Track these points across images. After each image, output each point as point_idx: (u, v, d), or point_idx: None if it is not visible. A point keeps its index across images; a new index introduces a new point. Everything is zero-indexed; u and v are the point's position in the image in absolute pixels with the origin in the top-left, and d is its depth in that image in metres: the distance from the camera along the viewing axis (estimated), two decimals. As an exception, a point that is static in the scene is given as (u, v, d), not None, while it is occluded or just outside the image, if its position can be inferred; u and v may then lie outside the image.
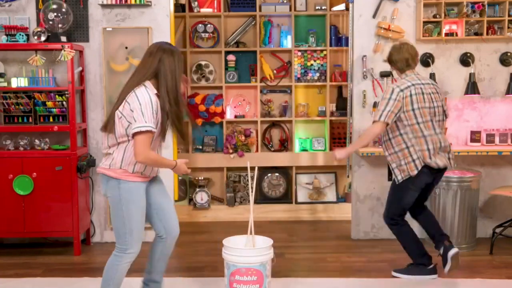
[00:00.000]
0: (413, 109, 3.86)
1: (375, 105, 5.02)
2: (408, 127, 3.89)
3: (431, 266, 4.09)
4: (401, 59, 3.98)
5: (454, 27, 4.96)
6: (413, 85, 3.89)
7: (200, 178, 6.27)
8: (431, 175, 3.97)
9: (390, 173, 5.04)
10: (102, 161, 3.26)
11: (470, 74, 4.93)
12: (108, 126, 3.14)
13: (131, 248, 3.28)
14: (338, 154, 4.05)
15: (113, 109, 3.14)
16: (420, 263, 4.09)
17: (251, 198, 3.70)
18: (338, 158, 4.06)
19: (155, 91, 3.12)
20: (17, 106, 4.74)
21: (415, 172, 3.89)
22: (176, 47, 3.35)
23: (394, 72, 4.26)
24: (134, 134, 3.04)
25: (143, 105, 3.03)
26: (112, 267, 3.30)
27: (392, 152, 3.98)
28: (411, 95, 3.86)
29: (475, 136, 4.98)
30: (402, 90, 3.86)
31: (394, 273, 4.16)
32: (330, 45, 6.40)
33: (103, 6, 4.90)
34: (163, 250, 3.54)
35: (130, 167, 3.15)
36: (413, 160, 3.90)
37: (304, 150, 6.50)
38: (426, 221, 4.21)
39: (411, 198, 4.02)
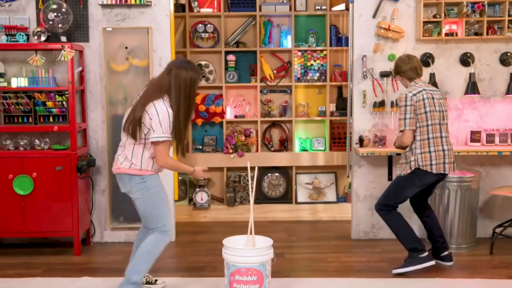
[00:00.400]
0: (425, 112, 4.08)
1: (375, 105, 5.02)
2: (419, 129, 4.11)
3: (425, 254, 4.16)
4: (412, 68, 4.20)
5: (454, 27, 4.96)
6: (424, 90, 4.13)
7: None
8: (436, 176, 4.14)
9: (390, 173, 5.05)
10: (118, 162, 3.63)
11: (470, 74, 4.93)
12: (130, 129, 3.50)
13: (170, 230, 3.71)
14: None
15: (134, 115, 3.49)
16: (413, 247, 4.17)
17: (251, 198, 3.71)
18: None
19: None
20: (17, 106, 4.74)
21: (411, 169, 4.13)
22: (192, 65, 3.63)
23: (399, 82, 4.44)
24: (154, 143, 3.48)
25: (161, 117, 3.44)
26: (156, 245, 3.66)
27: (408, 149, 4.19)
28: (423, 99, 4.08)
29: (475, 136, 4.98)
30: (414, 95, 4.09)
31: (395, 271, 4.18)
32: (330, 45, 6.41)
33: (103, 6, 4.90)
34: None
35: (149, 167, 3.57)
36: (413, 160, 4.14)
37: (304, 150, 6.50)
38: (434, 224, 4.37)
39: (410, 193, 4.22)
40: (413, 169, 4.11)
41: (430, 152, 4.08)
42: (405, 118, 4.08)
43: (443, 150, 4.10)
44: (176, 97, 3.49)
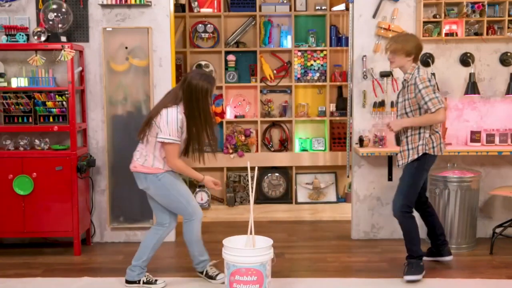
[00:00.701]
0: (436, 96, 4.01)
1: (375, 105, 5.02)
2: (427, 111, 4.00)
3: (422, 263, 4.13)
4: (418, 45, 4.07)
5: (454, 27, 4.96)
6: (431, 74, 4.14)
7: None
8: (436, 159, 4.15)
9: (390, 173, 5.05)
10: (134, 158, 3.91)
11: (470, 74, 4.93)
12: (141, 127, 3.85)
13: (195, 214, 3.94)
14: (394, 125, 4.10)
15: (149, 116, 3.83)
16: (421, 254, 4.12)
17: (251, 198, 3.71)
18: (395, 130, 4.12)
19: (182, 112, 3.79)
20: (17, 106, 4.74)
21: (417, 155, 4.04)
22: (206, 76, 3.84)
23: (395, 69, 4.34)
24: (161, 143, 3.77)
25: (169, 119, 3.71)
26: (189, 231, 3.97)
27: (410, 134, 4.08)
28: (436, 83, 4.12)
29: (475, 136, 4.98)
30: (430, 78, 4.03)
31: (408, 278, 4.03)
32: (330, 45, 6.41)
33: (103, 6, 4.90)
34: (161, 238, 4.06)
35: (160, 165, 3.83)
36: (423, 144, 4.05)
37: (304, 150, 6.50)
38: (436, 221, 4.36)
39: (422, 182, 4.16)
40: (420, 154, 4.02)
41: (435, 134, 4.04)
42: (436, 97, 3.91)
43: (439, 132, 4.12)
44: (187, 105, 3.77)
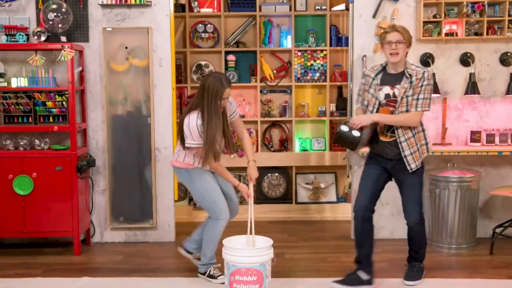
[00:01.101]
0: None
1: (375, 105, 5.01)
2: None
3: (423, 265, 4.12)
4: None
5: (454, 27, 4.96)
6: None
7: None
8: None
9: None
10: (173, 156, 4.12)
11: (470, 74, 4.93)
12: (179, 133, 4.03)
13: (221, 215, 3.98)
14: (365, 119, 3.70)
15: (180, 123, 3.96)
16: (424, 257, 4.09)
17: (251, 199, 3.72)
18: (366, 123, 3.70)
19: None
20: (17, 106, 4.74)
21: (426, 154, 3.84)
22: (216, 75, 3.92)
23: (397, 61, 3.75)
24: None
25: (190, 127, 3.84)
26: (211, 231, 4.01)
27: (409, 137, 3.75)
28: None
29: (475, 136, 4.98)
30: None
31: (409, 283, 3.99)
32: (330, 45, 6.41)
33: (103, 6, 4.90)
34: (217, 230, 4.07)
35: (190, 161, 3.99)
36: (426, 143, 3.84)
37: (304, 150, 6.50)
38: (371, 237, 3.99)
39: None
40: (425, 155, 3.81)
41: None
42: (430, 99, 3.70)
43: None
44: (200, 106, 3.85)
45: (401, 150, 3.75)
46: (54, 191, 4.65)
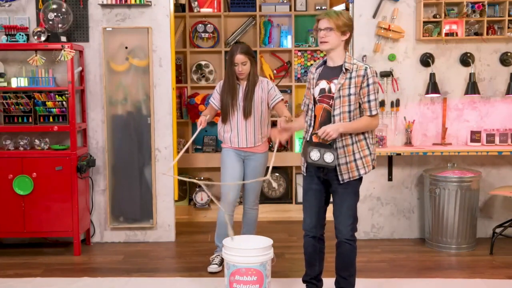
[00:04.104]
0: None
1: (375, 105, 5.01)
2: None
3: None
4: (352, 23, 3.39)
5: (454, 27, 4.96)
6: None
7: (200, 178, 6.27)
8: None
9: (390, 173, 5.05)
10: None
11: (470, 74, 4.93)
12: None
13: (223, 204, 4.13)
14: (333, 131, 3.21)
15: None
16: None
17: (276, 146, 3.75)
18: (334, 136, 3.24)
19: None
20: (17, 106, 4.74)
21: (370, 168, 3.41)
22: (236, 44, 4.24)
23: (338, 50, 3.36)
24: None
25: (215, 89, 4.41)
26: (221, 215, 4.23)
27: (347, 144, 3.33)
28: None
29: (475, 136, 4.98)
30: None
31: None
32: (330, 45, 6.40)
33: (103, 6, 4.90)
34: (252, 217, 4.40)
35: (222, 139, 4.28)
36: (370, 154, 3.40)
37: (304, 150, 6.49)
38: (322, 256, 3.71)
39: None
40: (371, 168, 3.39)
41: (375, 143, 3.47)
42: (377, 99, 3.32)
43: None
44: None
45: (345, 156, 3.33)
46: (54, 191, 4.65)
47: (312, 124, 3.39)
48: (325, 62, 3.45)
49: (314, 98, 3.39)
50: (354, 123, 3.29)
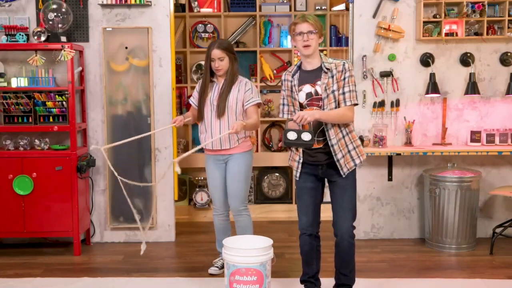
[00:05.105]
0: None
1: (375, 105, 5.02)
2: None
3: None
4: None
5: (454, 27, 4.95)
6: None
7: (200, 178, 6.27)
8: None
9: (390, 173, 5.05)
10: None
11: (470, 74, 4.93)
12: None
13: (214, 206, 4.21)
14: (309, 115, 3.27)
15: None
16: (353, 283, 3.65)
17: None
18: (309, 120, 3.28)
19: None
20: (17, 106, 4.74)
21: (365, 156, 3.51)
22: (213, 42, 4.13)
23: (321, 54, 3.49)
24: None
25: None
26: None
27: (339, 138, 3.41)
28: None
29: (475, 136, 4.98)
30: None
31: None
32: (330, 45, 6.40)
33: (103, 6, 4.90)
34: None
35: (200, 139, 4.14)
36: (361, 144, 3.57)
37: (304, 150, 6.49)
38: (319, 254, 3.76)
39: None
40: (364, 157, 3.47)
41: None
42: (356, 91, 3.39)
43: None
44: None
45: (333, 154, 3.39)
46: (54, 191, 4.65)
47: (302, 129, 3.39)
48: (299, 67, 3.51)
49: (301, 104, 3.45)
50: (330, 111, 3.36)
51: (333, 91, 3.36)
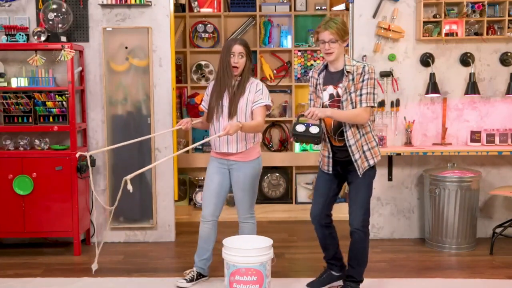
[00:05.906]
0: None
1: (375, 105, 5.02)
2: None
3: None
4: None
5: (454, 27, 4.96)
6: None
7: (200, 178, 6.27)
8: None
9: (390, 173, 5.05)
10: None
11: (470, 74, 4.93)
12: None
13: (202, 212, 4.05)
14: (320, 112, 3.44)
15: None
16: (363, 279, 3.83)
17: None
18: (320, 116, 3.45)
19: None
20: (17, 106, 4.74)
21: (379, 158, 3.65)
22: (233, 38, 4.18)
23: (323, 53, 3.55)
24: None
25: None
26: None
27: (357, 139, 3.56)
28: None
29: (475, 136, 4.98)
30: None
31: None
32: (330, 45, 6.40)
33: (103, 6, 4.90)
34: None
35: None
36: (377, 145, 3.65)
37: (304, 150, 6.50)
38: (334, 240, 3.88)
39: None
40: (378, 158, 3.62)
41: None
42: (375, 94, 3.48)
43: None
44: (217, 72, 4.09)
45: (350, 154, 3.54)
46: (54, 191, 4.65)
47: (324, 126, 3.62)
48: (326, 67, 3.64)
49: (323, 103, 3.60)
50: (342, 111, 3.51)
51: (350, 93, 3.49)
